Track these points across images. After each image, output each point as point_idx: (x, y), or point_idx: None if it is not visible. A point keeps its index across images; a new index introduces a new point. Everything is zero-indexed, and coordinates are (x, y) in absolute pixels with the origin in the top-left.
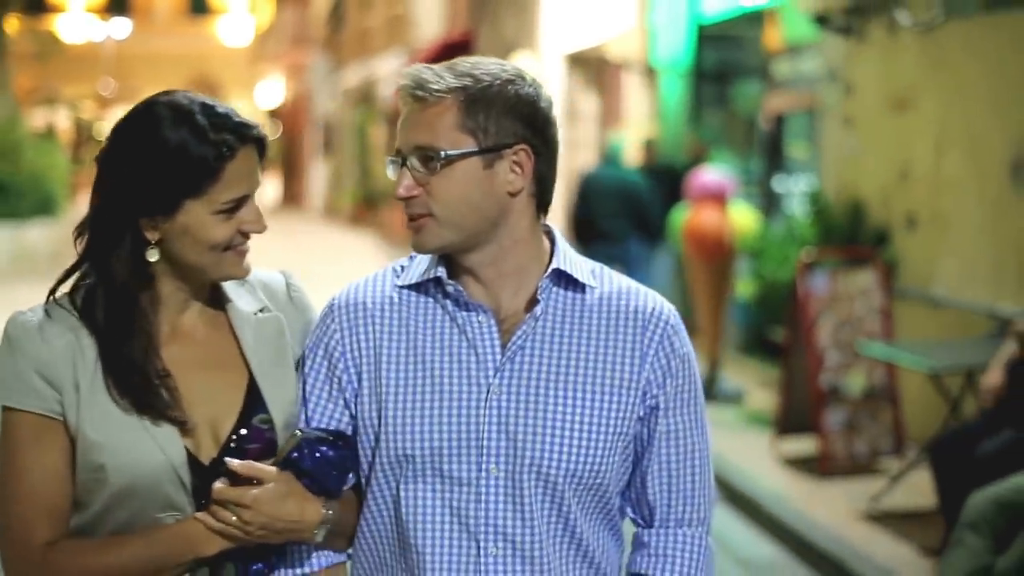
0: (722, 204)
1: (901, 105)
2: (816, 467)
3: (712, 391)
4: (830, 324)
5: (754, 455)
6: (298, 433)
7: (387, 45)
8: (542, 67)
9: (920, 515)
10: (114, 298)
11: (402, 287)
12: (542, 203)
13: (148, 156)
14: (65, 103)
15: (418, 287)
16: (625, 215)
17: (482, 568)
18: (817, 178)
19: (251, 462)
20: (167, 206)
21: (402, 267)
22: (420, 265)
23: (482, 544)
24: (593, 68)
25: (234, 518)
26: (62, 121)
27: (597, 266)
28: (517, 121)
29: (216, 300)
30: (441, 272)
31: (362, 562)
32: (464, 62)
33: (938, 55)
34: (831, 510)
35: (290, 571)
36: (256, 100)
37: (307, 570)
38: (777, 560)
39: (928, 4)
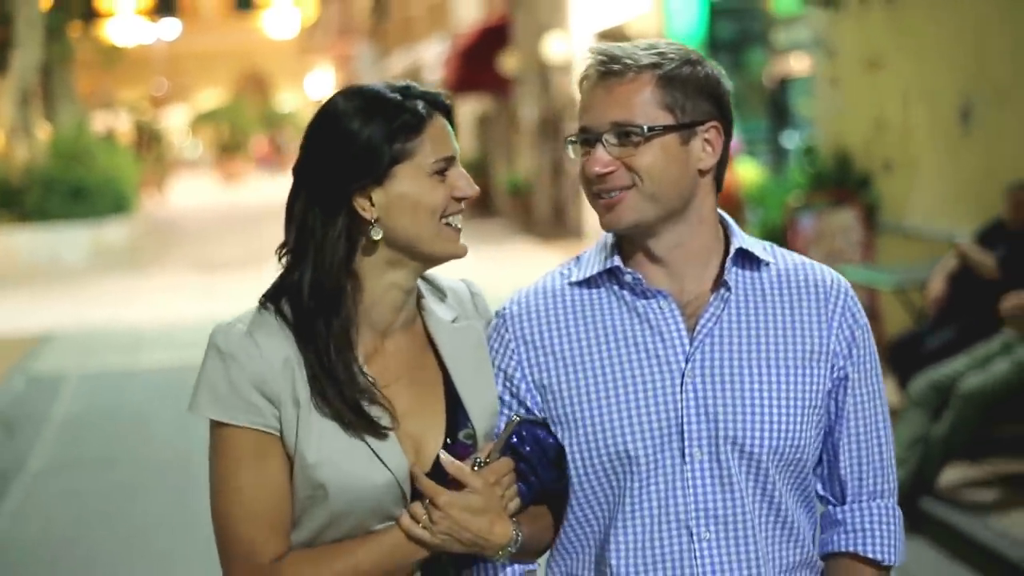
0: (730, 161)
1: (874, 66)
2: None
3: None
4: (817, 257)
5: None
6: (517, 416)
7: (429, 31)
8: (574, 45)
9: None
10: (326, 288)
11: (573, 284)
12: (719, 184)
13: (347, 133)
14: (122, 106)
15: (589, 283)
16: None
17: (696, 555)
18: (810, 133)
19: (460, 464)
20: (379, 171)
21: (568, 269)
22: (591, 260)
23: (694, 530)
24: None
25: (424, 516)
26: (121, 123)
27: (767, 243)
28: (708, 100)
29: (415, 314)
30: (617, 262)
31: (563, 568)
32: (643, 42)
33: (902, 22)
34: None
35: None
36: (306, 91)
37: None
38: None
39: None
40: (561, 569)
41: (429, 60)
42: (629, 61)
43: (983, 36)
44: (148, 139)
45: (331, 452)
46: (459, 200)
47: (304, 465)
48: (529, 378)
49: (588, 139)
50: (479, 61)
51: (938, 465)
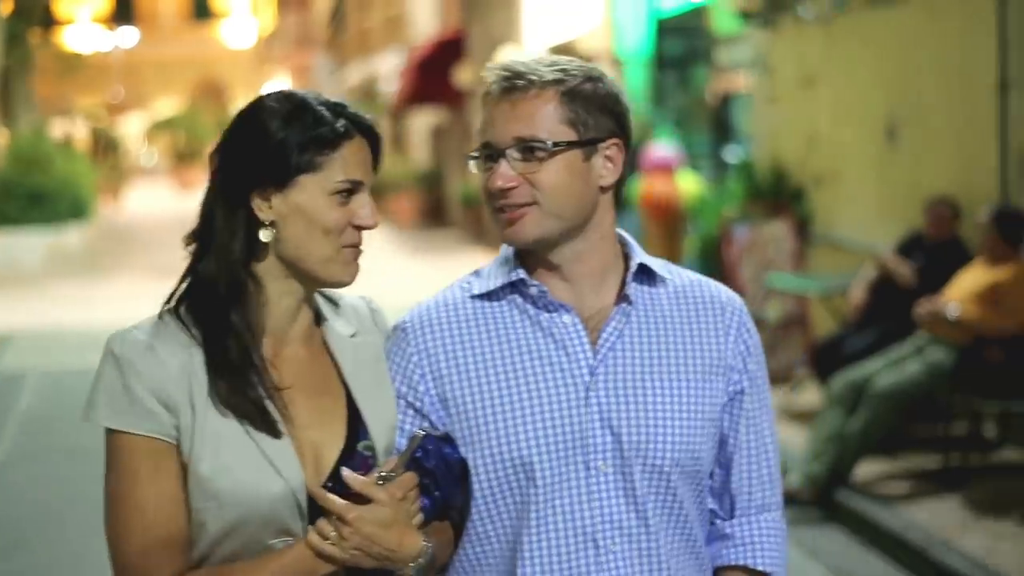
0: (670, 174)
1: (807, 84)
2: None
3: None
4: (751, 266)
5: None
6: (420, 432)
7: (385, 44)
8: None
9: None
10: (226, 284)
11: (475, 297)
12: (618, 202)
13: (264, 130)
14: (80, 113)
15: (492, 295)
16: None
17: (604, 567)
18: (749, 148)
19: (366, 480)
20: (282, 176)
21: (469, 282)
22: (493, 273)
23: (601, 542)
24: (578, 58)
25: (333, 532)
26: (78, 130)
27: (663, 261)
28: (609, 116)
29: (313, 326)
30: (523, 274)
31: None
32: (546, 58)
33: (834, 43)
34: None
35: None
36: None
37: None
38: None
39: (824, 1)
40: None
41: (385, 72)
42: (533, 77)
43: (907, 58)
44: (104, 146)
45: (226, 460)
46: (358, 228)
47: (199, 474)
48: (432, 391)
49: (491, 154)
50: (434, 74)
51: (853, 459)
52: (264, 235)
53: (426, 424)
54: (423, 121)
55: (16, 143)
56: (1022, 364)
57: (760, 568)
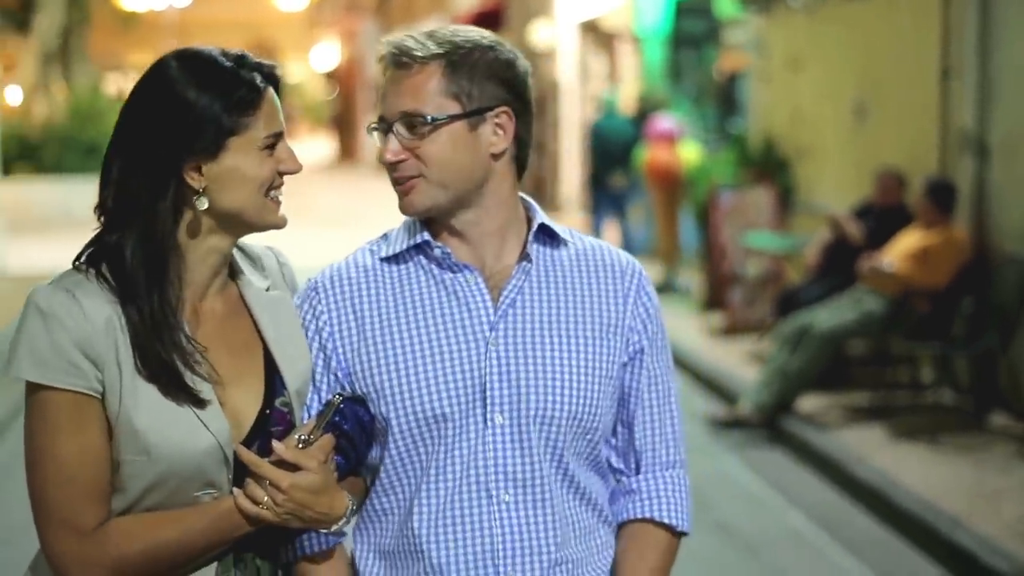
0: (673, 144)
1: (794, 66)
2: (726, 330)
3: (669, 287)
4: (733, 228)
5: (692, 327)
6: (337, 397)
7: (429, 12)
8: (558, 32)
9: None
10: (151, 255)
11: (383, 259)
12: (521, 165)
13: (183, 99)
14: (133, 69)
15: (399, 257)
16: (623, 156)
17: (496, 516)
18: (743, 122)
19: (297, 451)
20: (214, 146)
21: (377, 245)
22: (399, 237)
23: (494, 493)
24: (601, 35)
25: (266, 498)
26: (127, 86)
27: (567, 227)
28: (498, 85)
29: (229, 280)
30: (427, 237)
31: (371, 537)
32: (444, 29)
33: (816, 30)
34: (730, 357)
35: (296, 551)
36: (312, 63)
37: (312, 550)
38: (684, 388)
39: None
40: (368, 538)
41: None
42: (417, 52)
43: (872, 46)
44: None
45: (155, 416)
46: (282, 175)
47: (130, 429)
48: (340, 350)
49: (381, 128)
50: None
51: (795, 391)
52: (200, 203)
53: (331, 381)
54: None
55: (74, 98)
56: (946, 314)
57: (665, 520)
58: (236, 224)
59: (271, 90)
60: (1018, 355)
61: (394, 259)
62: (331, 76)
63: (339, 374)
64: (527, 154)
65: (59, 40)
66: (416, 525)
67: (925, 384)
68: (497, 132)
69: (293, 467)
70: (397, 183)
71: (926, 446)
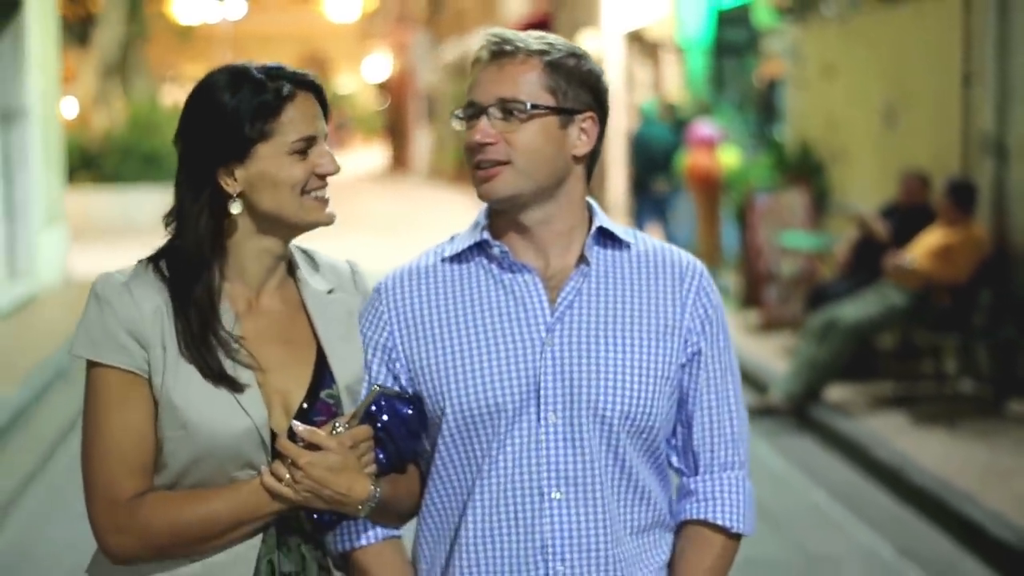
0: (712, 149)
1: (828, 74)
2: (762, 326)
3: None
4: (769, 226)
5: (730, 324)
6: (377, 387)
7: (479, 24)
8: (604, 42)
9: None
10: (194, 255)
11: (446, 259)
12: (590, 173)
13: (214, 109)
14: (188, 81)
15: (461, 257)
16: (664, 162)
17: (547, 513)
18: (781, 127)
19: (314, 429)
20: (240, 151)
21: (443, 246)
22: (463, 238)
23: (546, 491)
24: (646, 45)
25: (287, 475)
26: (183, 97)
27: (630, 228)
28: (588, 91)
29: (289, 281)
30: (487, 235)
31: (429, 534)
32: (534, 33)
33: (848, 39)
34: (765, 351)
35: (347, 542)
36: (363, 74)
37: (364, 542)
38: None
39: (840, 1)
40: (429, 532)
41: None
42: (520, 44)
43: (900, 54)
44: None
45: (195, 396)
46: (321, 177)
47: (170, 406)
48: (401, 349)
49: (473, 113)
50: None
51: (822, 380)
52: (235, 208)
53: (388, 380)
54: None
55: (134, 109)
56: (966, 307)
57: (720, 523)
58: (279, 225)
59: (303, 96)
60: None
61: (456, 259)
62: (383, 87)
63: (399, 372)
64: (595, 165)
65: (119, 53)
66: (470, 519)
67: (948, 374)
68: (582, 136)
69: (315, 448)
70: (480, 167)
71: (945, 431)
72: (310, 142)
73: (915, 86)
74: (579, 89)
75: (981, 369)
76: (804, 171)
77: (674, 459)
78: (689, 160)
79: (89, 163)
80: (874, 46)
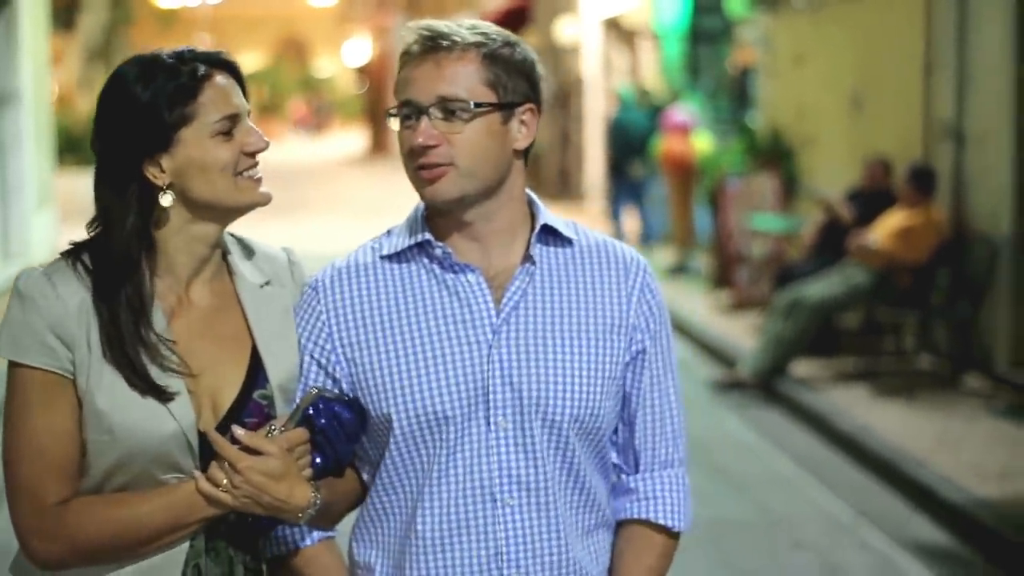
0: (687, 134)
1: (798, 63)
2: (733, 306)
3: (684, 269)
4: (740, 209)
5: (702, 304)
6: (315, 390)
7: (459, 8)
8: (582, 29)
9: None
10: (119, 254)
11: (384, 257)
12: (526, 162)
13: (129, 102)
14: None
15: (400, 256)
16: (640, 147)
17: (500, 519)
18: (752, 114)
19: (255, 435)
20: (163, 141)
21: (379, 243)
22: (401, 235)
23: (498, 496)
24: (623, 32)
25: (224, 480)
26: None
27: (570, 222)
28: (525, 81)
29: (222, 272)
30: (428, 236)
31: (372, 539)
32: (465, 22)
33: (818, 28)
34: (736, 330)
35: (283, 546)
36: (343, 58)
37: (299, 545)
38: (687, 357)
39: None
40: (369, 536)
41: None
42: (456, 38)
43: (867, 43)
44: None
45: (120, 400)
46: (251, 155)
47: (94, 410)
48: (339, 349)
49: (411, 112)
50: None
51: (787, 357)
52: (165, 200)
53: (326, 382)
54: None
55: None
56: (925, 286)
57: (661, 522)
58: (214, 211)
59: (219, 75)
60: (987, 322)
61: (395, 257)
62: (362, 71)
63: (337, 375)
64: (530, 153)
65: (102, 38)
66: (420, 527)
67: (907, 351)
68: (522, 128)
69: (254, 453)
70: (423, 169)
71: (903, 403)
72: (233, 120)
73: (880, 75)
74: (517, 80)
75: (939, 345)
76: (774, 156)
77: (614, 456)
78: (664, 145)
79: (73, 146)
80: (841, 37)
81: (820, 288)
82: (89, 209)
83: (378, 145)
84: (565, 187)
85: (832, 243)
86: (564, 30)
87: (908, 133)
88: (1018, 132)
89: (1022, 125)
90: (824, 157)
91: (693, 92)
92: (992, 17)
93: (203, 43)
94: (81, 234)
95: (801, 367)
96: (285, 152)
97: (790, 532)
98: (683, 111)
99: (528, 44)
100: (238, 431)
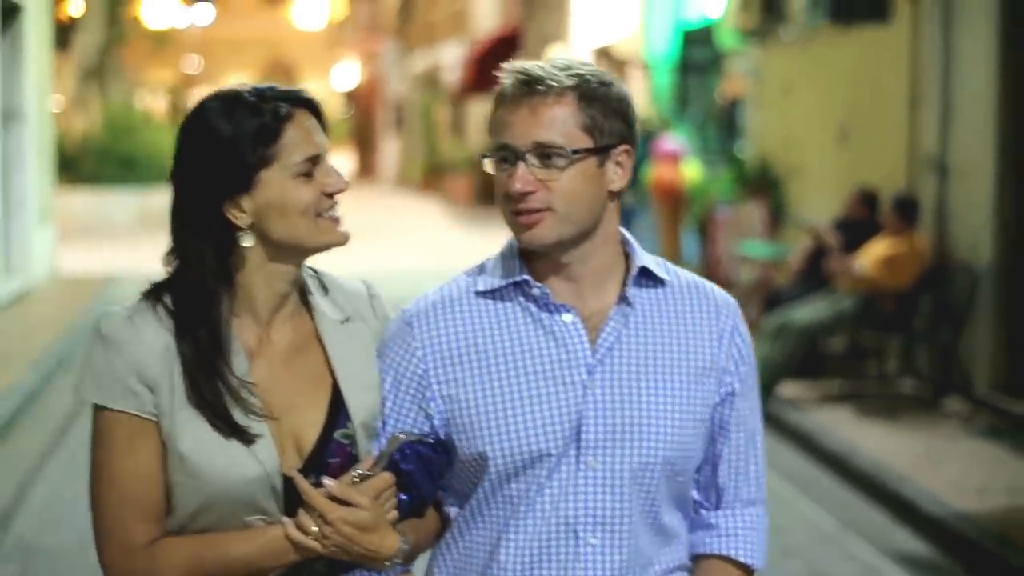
0: (676, 163)
1: (787, 94)
2: None
3: None
4: (728, 237)
5: None
6: (401, 436)
7: (449, 35)
8: (574, 56)
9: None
10: (199, 295)
11: (478, 294)
12: (622, 204)
13: (212, 141)
14: (151, 85)
15: (495, 293)
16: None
17: (582, 558)
18: (741, 143)
19: (346, 486)
20: (245, 182)
21: (473, 278)
22: (496, 270)
23: (581, 535)
24: (614, 61)
25: (315, 528)
26: (157, 102)
27: (661, 260)
28: (621, 121)
29: (302, 309)
30: (526, 275)
31: (450, 568)
32: (559, 62)
33: (806, 61)
34: None
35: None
36: (332, 82)
37: None
38: None
39: (798, 26)
40: (450, 565)
41: (448, 62)
42: (552, 82)
43: (853, 76)
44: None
45: (203, 442)
46: (330, 195)
47: (177, 452)
48: (435, 385)
49: (507, 157)
50: (492, 66)
51: (775, 379)
52: (246, 240)
53: (418, 417)
54: (480, 109)
55: (110, 112)
56: (908, 311)
57: (742, 559)
58: (293, 251)
59: (300, 114)
60: (968, 347)
61: (490, 294)
62: (350, 95)
63: (431, 410)
64: (625, 192)
65: (97, 57)
66: (503, 558)
67: (890, 374)
68: (617, 170)
69: (345, 502)
70: (520, 215)
71: (885, 423)
72: (315, 161)
73: (866, 108)
74: (613, 120)
75: (921, 369)
76: (763, 185)
77: (694, 492)
78: (654, 173)
79: (67, 165)
80: (829, 69)
81: (807, 313)
82: (86, 228)
83: (365, 168)
84: None
85: (819, 269)
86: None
87: (893, 164)
88: (1000, 165)
89: (1004, 159)
90: (811, 186)
91: (682, 122)
92: (976, 54)
93: (193, 64)
94: (78, 253)
95: (788, 389)
96: None
97: (780, 541)
98: (673, 139)
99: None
100: (328, 482)
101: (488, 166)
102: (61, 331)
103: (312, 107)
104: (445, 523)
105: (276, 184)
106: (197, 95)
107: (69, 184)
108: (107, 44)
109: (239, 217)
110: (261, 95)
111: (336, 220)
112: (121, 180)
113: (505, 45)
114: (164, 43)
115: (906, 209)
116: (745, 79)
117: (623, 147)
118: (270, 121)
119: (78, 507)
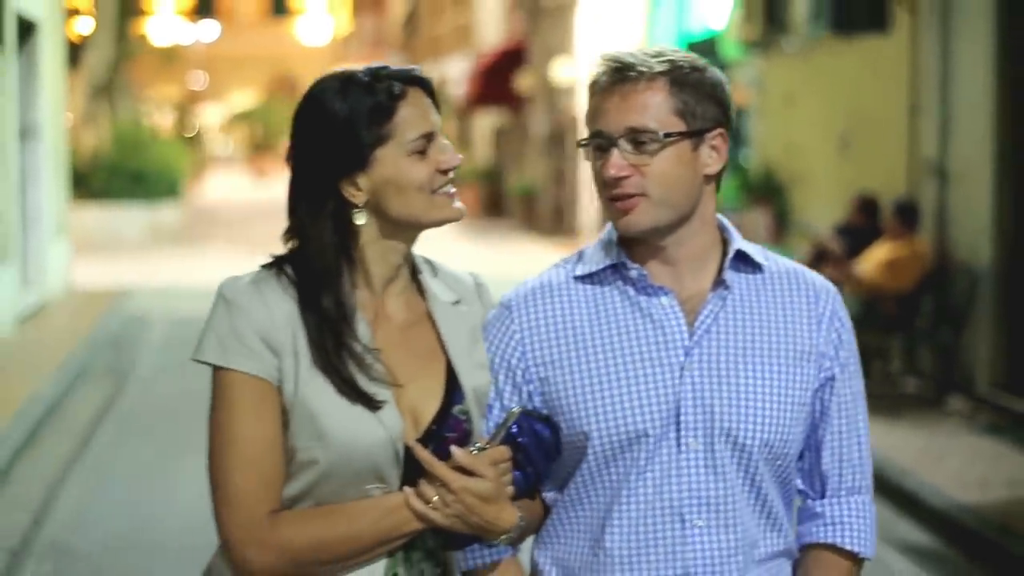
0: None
1: (790, 103)
2: None
3: None
4: None
5: None
6: (518, 408)
7: (454, 49)
8: (577, 69)
9: None
10: (321, 269)
11: (577, 277)
12: (718, 187)
13: (328, 121)
14: (160, 101)
15: (594, 277)
16: None
17: (689, 540)
18: (746, 152)
19: (471, 455)
20: (360, 160)
21: (571, 264)
22: (595, 255)
23: (686, 516)
24: None
25: (436, 497)
26: (163, 118)
27: (761, 247)
28: (716, 105)
29: (413, 288)
30: (624, 258)
31: (556, 555)
32: (651, 49)
33: (808, 71)
34: None
35: (478, 560)
36: None
37: (490, 559)
38: None
39: (800, 36)
40: (553, 552)
41: (453, 75)
42: (643, 68)
43: (854, 85)
44: (187, 134)
45: (330, 406)
46: (445, 172)
47: (303, 418)
48: (532, 368)
49: (602, 144)
50: (498, 79)
51: None
52: (360, 218)
53: (520, 400)
54: (486, 122)
55: (120, 128)
56: (910, 313)
57: (848, 547)
58: (410, 227)
59: (413, 92)
60: (969, 347)
61: (588, 278)
62: None
63: (528, 390)
64: (723, 177)
65: (106, 74)
66: (608, 543)
67: (893, 373)
68: (712, 154)
69: (467, 473)
70: (616, 200)
71: (889, 421)
72: (429, 138)
73: (867, 115)
74: (707, 105)
75: (923, 369)
76: (767, 192)
77: (799, 481)
78: None
79: (78, 181)
80: (830, 79)
81: None
82: (97, 243)
83: None
84: (559, 224)
85: (821, 275)
86: (560, 70)
87: (894, 171)
88: (998, 171)
89: (1002, 164)
90: (814, 193)
91: None
92: (974, 62)
93: (199, 81)
94: (90, 267)
95: None
96: (278, 189)
97: None
98: None
99: (714, 70)
100: (457, 451)
101: (584, 154)
102: (80, 343)
103: (425, 85)
104: (546, 510)
105: (391, 162)
106: (202, 111)
107: (80, 200)
108: (116, 61)
109: (355, 195)
110: (375, 75)
111: (451, 196)
112: (130, 195)
113: (510, 58)
114: (171, 59)
115: (907, 214)
116: (748, 89)
117: (718, 131)
118: (384, 100)
119: (105, 510)
